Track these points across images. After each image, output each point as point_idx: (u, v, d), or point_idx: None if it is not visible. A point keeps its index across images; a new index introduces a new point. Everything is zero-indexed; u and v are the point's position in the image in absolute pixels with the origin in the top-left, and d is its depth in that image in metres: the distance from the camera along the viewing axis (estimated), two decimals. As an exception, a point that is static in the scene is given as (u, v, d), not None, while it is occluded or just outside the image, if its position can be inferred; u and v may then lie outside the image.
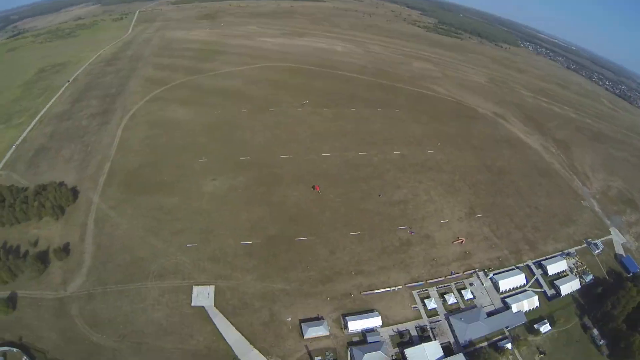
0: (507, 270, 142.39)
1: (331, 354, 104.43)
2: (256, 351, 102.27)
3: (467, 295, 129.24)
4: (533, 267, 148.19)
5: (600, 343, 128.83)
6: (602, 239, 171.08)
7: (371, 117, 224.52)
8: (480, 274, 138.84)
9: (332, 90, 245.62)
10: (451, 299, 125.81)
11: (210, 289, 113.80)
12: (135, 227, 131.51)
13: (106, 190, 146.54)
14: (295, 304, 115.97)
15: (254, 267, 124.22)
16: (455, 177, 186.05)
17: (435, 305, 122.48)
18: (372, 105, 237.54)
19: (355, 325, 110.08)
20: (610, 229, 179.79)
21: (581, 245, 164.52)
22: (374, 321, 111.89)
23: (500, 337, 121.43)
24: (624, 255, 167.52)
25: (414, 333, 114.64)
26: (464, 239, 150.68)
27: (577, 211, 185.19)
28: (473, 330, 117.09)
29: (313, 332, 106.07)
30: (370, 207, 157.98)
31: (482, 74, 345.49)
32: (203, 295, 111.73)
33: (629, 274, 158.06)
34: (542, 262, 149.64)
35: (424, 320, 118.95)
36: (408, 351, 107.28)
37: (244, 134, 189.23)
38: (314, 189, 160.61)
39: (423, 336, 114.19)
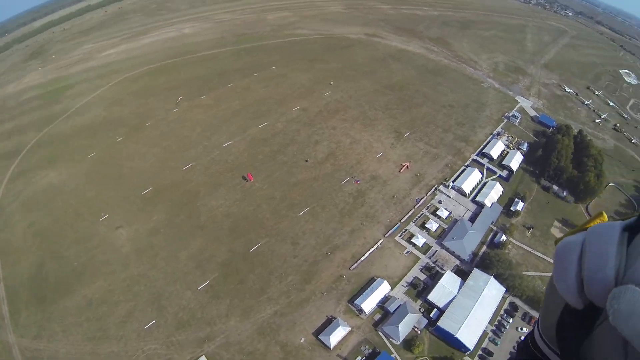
0: (461, 173, 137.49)
1: (367, 346, 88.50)
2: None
3: (443, 213, 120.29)
4: (478, 158, 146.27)
5: (564, 194, 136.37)
6: (514, 109, 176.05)
7: (252, 85, 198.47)
8: (441, 187, 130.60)
9: (199, 75, 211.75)
10: (432, 225, 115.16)
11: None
12: (75, 344, 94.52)
13: (17, 320, 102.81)
14: (297, 321, 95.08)
15: (230, 308, 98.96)
16: (364, 108, 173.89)
17: (424, 240, 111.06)
18: (247, 74, 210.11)
19: (369, 304, 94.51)
20: (516, 98, 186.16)
21: (503, 122, 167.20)
22: (383, 289, 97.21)
23: (491, 235, 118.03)
24: (538, 115, 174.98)
25: (423, 277, 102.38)
26: (408, 163, 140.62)
27: (483, 94, 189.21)
28: (469, 243, 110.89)
29: (335, 338, 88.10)
30: (302, 176, 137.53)
31: (337, 3, 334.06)
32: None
33: (549, 128, 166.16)
34: (483, 151, 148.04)
35: (424, 259, 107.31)
36: (431, 297, 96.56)
37: (132, 164, 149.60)
38: (246, 180, 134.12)
39: (432, 274, 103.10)
